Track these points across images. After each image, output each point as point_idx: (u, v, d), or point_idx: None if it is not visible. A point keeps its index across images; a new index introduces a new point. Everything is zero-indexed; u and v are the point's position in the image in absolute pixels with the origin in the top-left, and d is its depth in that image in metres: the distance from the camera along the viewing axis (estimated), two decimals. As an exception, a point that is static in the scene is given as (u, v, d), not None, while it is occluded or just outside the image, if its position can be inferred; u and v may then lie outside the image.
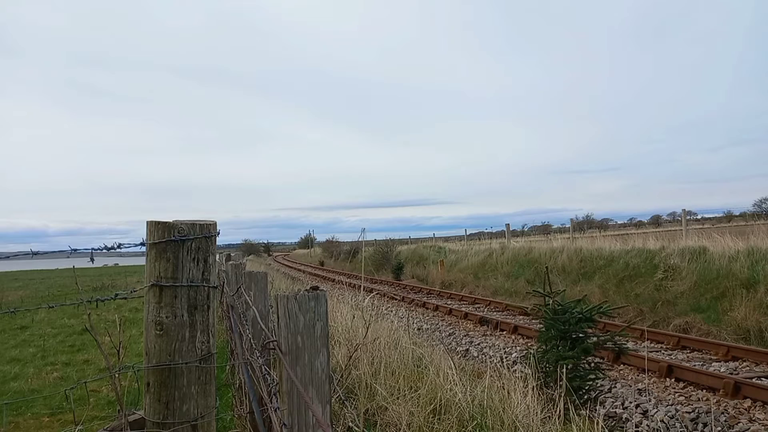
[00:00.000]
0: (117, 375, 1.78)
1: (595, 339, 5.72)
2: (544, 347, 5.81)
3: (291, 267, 44.02)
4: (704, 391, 6.43)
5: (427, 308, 15.00)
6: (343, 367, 4.58)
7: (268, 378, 2.06)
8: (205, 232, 1.72)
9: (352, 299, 9.09)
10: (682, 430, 5.47)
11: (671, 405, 5.99)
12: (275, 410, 1.73)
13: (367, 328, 4.91)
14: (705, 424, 5.47)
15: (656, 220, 71.49)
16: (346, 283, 21.07)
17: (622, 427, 5.65)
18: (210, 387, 1.74)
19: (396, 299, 17.35)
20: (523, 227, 57.07)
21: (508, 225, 25.14)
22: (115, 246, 1.78)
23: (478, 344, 10.04)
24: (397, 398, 3.86)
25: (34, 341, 9.64)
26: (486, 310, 13.85)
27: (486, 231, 36.59)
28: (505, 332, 10.83)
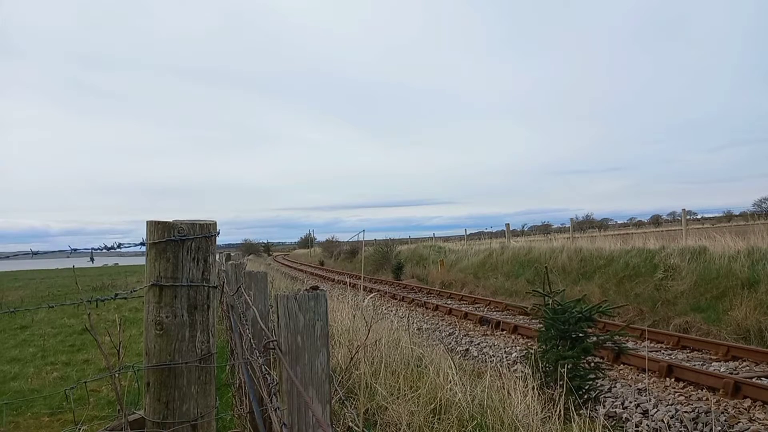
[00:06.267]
0: (117, 375, 1.78)
1: (594, 339, 5.72)
2: (544, 347, 5.81)
3: (291, 267, 44.02)
4: (704, 390, 6.43)
5: (427, 308, 15.00)
6: (344, 368, 4.57)
7: (268, 378, 2.06)
8: (205, 231, 1.72)
9: (352, 299, 9.09)
10: (682, 429, 5.47)
11: (671, 405, 5.99)
12: (275, 410, 1.73)
13: (368, 330, 4.90)
14: (705, 424, 5.47)
15: (656, 220, 71.45)
16: (346, 282, 21.06)
17: (622, 427, 5.65)
18: (210, 387, 1.74)
19: (396, 299, 17.36)
20: (523, 227, 57.00)
21: (508, 225, 25.16)
22: (115, 246, 1.78)
23: (478, 344, 10.04)
24: (397, 398, 3.86)
25: (34, 341, 9.64)
26: (486, 309, 13.85)
27: (486, 231, 36.56)
28: (505, 332, 10.83)
